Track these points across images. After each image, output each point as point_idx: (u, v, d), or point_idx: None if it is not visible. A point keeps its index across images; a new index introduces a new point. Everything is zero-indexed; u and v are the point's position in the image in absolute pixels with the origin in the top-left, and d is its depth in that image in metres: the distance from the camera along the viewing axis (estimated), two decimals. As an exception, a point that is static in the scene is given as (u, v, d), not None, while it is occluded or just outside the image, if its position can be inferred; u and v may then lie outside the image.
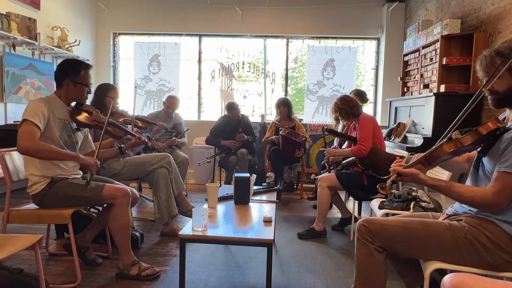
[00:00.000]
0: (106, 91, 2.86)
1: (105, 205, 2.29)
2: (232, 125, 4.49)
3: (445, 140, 1.39)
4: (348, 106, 2.97)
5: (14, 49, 3.95)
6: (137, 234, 2.68)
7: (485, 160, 1.41)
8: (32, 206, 2.14)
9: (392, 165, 1.46)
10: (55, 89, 2.21)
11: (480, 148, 1.44)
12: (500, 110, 1.47)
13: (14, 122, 3.93)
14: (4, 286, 1.68)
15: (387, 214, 2.31)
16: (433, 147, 1.41)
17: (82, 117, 2.17)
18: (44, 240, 2.48)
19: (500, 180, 1.30)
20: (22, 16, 3.96)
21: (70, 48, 4.76)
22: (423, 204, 2.29)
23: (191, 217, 1.87)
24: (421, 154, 1.44)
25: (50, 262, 2.39)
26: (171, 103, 4.31)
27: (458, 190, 1.38)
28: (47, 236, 2.51)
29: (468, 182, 1.52)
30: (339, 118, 3.05)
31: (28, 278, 1.73)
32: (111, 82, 5.64)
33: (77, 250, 2.12)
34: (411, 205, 2.30)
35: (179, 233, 1.83)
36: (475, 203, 1.37)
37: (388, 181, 1.41)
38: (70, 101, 2.18)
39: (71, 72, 2.11)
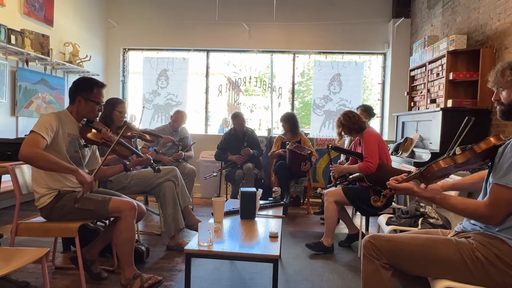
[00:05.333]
0: (114, 105, 2.91)
1: (112, 219, 2.30)
2: (238, 139, 4.51)
3: (446, 155, 1.41)
4: (351, 122, 2.96)
5: (27, 64, 4.06)
6: (143, 248, 2.67)
7: (490, 175, 1.41)
8: (40, 219, 2.16)
9: (389, 180, 1.51)
10: (66, 103, 2.26)
11: (490, 163, 1.44)
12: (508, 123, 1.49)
13: (25, 136, 4.00)
14: (10, 300, 1.69)
15: (395, 231, 2.28)
16: (430, 162, 1.44)
17: (91, 134, 2.21)
18: (51, 254, 2.49)
19: (492, 192, 1.32)
20: (36, 33, 4.09)
21: (81, 63, 4.87)
22: (432, 220, 2.26)
23: (197, 231, 1.87)
24: None
25: (56, 275, 2.40)
26: (178, 117, 4.35)
27: (452, 201, 1.40)
28: (54, 249, 2.52)
29: (480, 198, 1.51)
30: (342, 133, 3.06)
31: (34, 291, 1.74)
32: (120, 96, 5.74)
33: (83, 263, 2.13)
34: (419, 222, 2.27)
35: (185, 248, 1.82)
36: (468, 215, 1.40)
37: (381, 195, 1.47)
38: (81, 118, 2.22)
39: (84, 90, 2.17)
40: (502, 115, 1.43)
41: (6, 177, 2.33)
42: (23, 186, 2.16)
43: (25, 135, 3.97)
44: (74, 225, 2.03)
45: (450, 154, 1.41)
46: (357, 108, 4.15)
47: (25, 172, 2.22)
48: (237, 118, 4.51)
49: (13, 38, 3.76)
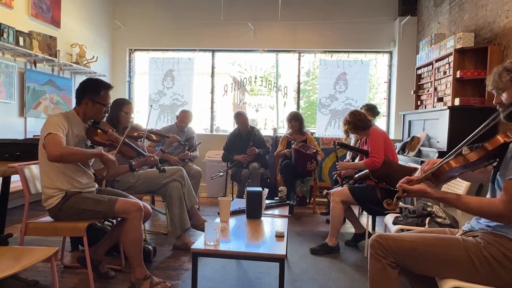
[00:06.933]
0: (121, 106, 2.93)
1: (119, 219, 2.32)
2: (243, 139, 4.51)
3: (454, 155, 1.40)
4: (356, 119, 2.98)
5: (35, 65, 4.11)
6: (150, 247, 2.69)
7: (498, 173, 1.39)
8: (48, 218, 2.18)
9: (400, 181, 1.48)
10: (73, 104, 2.28)
11: (495, 163, 1.42)
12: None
13: (33, 136, 4.05)
14: (20, 298, 1.71)
15: (401, 230, 2.26)
16: (440, 163, 1.42)
17: (97, 135, 2.23)
18: (60, 253, 2.52)
19: (507, 188, 1.29)
20: (44, 34, 4.13)
21: (87, 64, 4.91)
22: (439, 220, 2.24)
23: (203, 231, 1.88)
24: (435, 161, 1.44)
25: (64, 274, 2.42)
26: (184, 117, 4.35)
27: (465, 201, 1.38)
28: (62, 249, 2.55)
29: (488, 196, 1.49)
30: (348, 131, 3.06)
31: (43, 290, 1.76)
32: (127, 97, 5.77)
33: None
34: (426, 221, 2.25)
35: (192, 247, 1.83)
36: (482, 214, 1.37)
37: (395, 198, 1.44)
38: (87, 119, 2.24)
39: (92, 92, 2.18)
40: (506, 116, 1.41)
41: (15, 177, 2.36)
42: (32, 186, 2.19)
43: (33, 136, 4.04)
44: (82, 224, 2.05)
45: (458, 153, 1.40)
46: (361, 108, 4.13)
47: (34, 172, 2.24)
48: (240, 117, 4.52)
49: (21, 40, 3.80)
